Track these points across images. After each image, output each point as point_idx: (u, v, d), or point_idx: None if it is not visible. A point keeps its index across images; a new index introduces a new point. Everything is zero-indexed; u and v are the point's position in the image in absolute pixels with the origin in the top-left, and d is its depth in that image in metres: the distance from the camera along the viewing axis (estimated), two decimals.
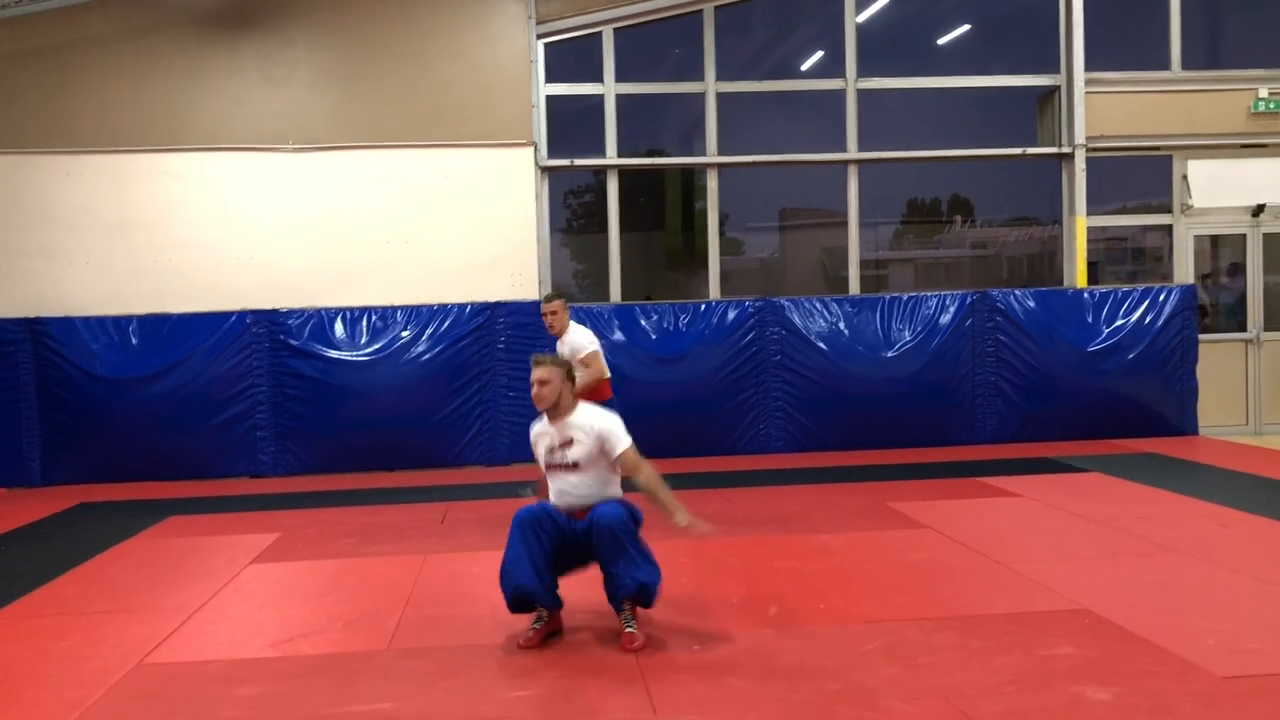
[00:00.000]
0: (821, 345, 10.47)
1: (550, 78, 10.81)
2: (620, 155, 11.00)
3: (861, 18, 11.26)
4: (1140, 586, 5.40)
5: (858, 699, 3.98)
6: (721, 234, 11.25)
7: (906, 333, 10.56)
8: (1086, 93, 11.12)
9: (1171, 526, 6.71)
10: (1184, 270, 11.42)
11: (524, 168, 10.56)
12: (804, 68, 11.84)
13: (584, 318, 9.55)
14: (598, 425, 4.87)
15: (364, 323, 10.19)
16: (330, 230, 10.36)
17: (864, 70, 11.14)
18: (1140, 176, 11.76)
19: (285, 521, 7.82)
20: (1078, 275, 11.15)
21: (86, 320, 9.95)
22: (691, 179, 11.64)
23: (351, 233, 10.38)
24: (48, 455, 9.95)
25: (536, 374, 4.89)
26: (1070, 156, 11.22)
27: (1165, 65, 11.34)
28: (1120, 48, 11.49)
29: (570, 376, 5.02)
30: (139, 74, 10.24)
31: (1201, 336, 10.97)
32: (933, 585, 5.60)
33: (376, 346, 10.11)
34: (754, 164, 11.21)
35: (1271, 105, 11.21)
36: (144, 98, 10.24)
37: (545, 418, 5.01)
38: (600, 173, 11.11)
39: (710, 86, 11.03)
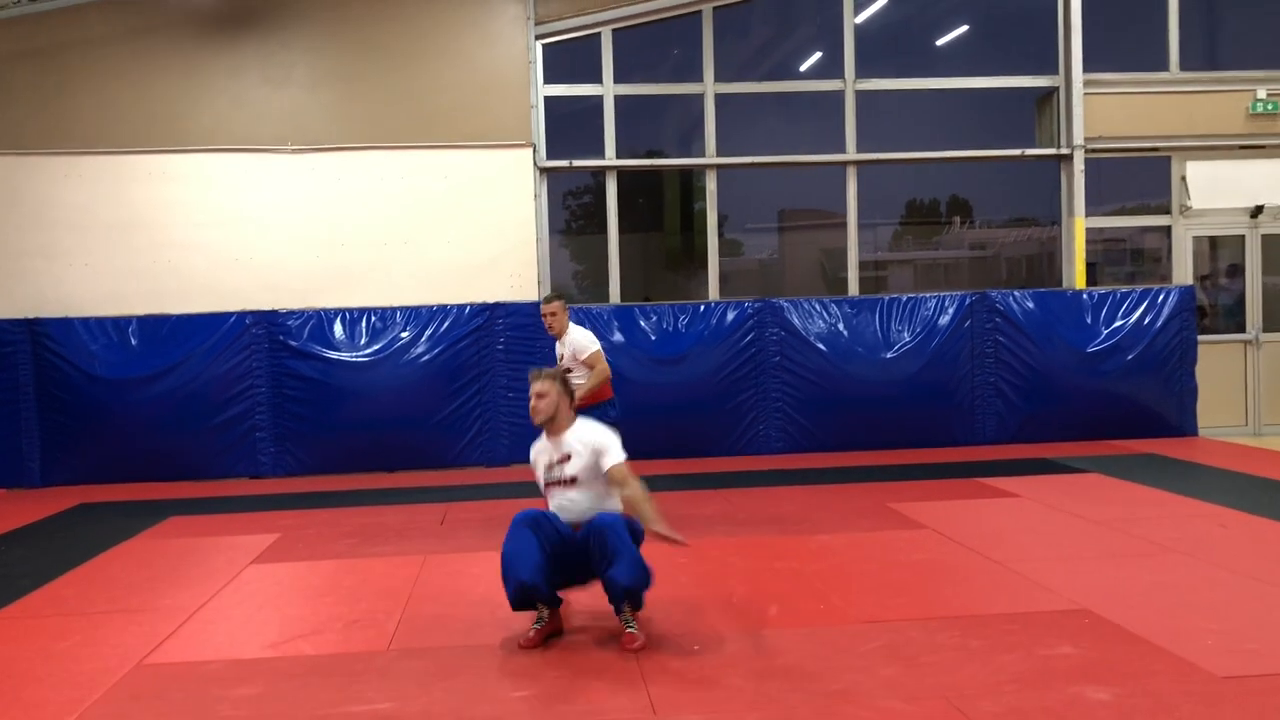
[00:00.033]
0: (821, 346, 10.47)
1: (549, 79, 10.82)
2: (619, 156, 11.01)
3: (860, 19, 11.27)
4: (1140, 587, 5.41)
5: (858, 699, 3.99)
6: (720, 235, 11.26)
7: (906, 334, 10.57)
8: (1085, 94, 11.13)
9: (1171, 527, 6.72)
10: (1183, 271, 11.43)
11: (523, 169, 10.56)
12: (803, 69, 11.85)
13: (583, 319, 9.56)
14: (594, 439, 4.88)
15: (363, 324, 10.20)
16: (329, 231, 10.36)
17: (863, 71, 11.15)
18: (1139, 178, 11.78)
19: (285, 522, 7.82)
20: (1077, 276, 11.16)
21: (86, 321, 9.94)
22: (690, 180, 11.65)
23: (350, 234, 10.39)
24: (47, 456, 9.95)
25: (535, 387, 4.93)
26: (1069, 157, 11.23)
27: (1164, 66, 11.35)
28: (1119, 49, 11.50)
29: (569, 391, 5.05)
30: (138, 75, 10.24)
31: (1201, 337, 10.98)
32: (933, 585, 5.60)
33: (376, 347, 10.11)
34: (753, 165, 11.21)
35: (1270, 106, 11.23)
36: (143, 99, 10.25)
37: (543, 436, 5.04)
38: (599, 174, 11.12)
39: (709, 87, 11.04)
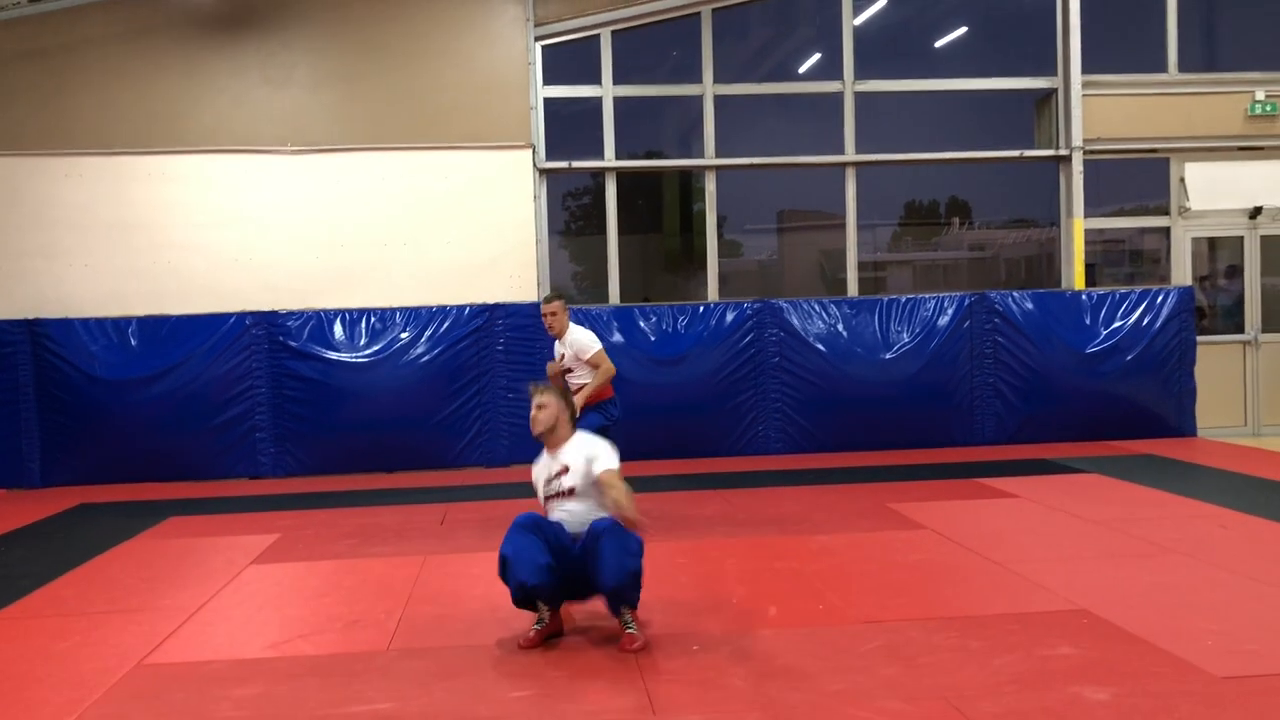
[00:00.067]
0: (820, 347, 10.48)
1: (548, 80, 10.82)
2: (618, 157, 11.02)
3: (859, 20, 11.28)
4: (1139, 587, 5.41)
5: (857, 699, 3.99)
6: (720, 236, 11.26)
7: (905, 334, 10.58)
8: (1084, 95, 11.14)
9: (1170, 527, 6.73)
10: (1182, 272, 11.44)
11: (522, 170, 10.57)
12: (801, 70, 11.86)
13: (582, 319, 9.55)
14: (589, 449, 4.92)
15: (363, 324, 10.20)
16: (329, 232, 10.37)
17: (861, 73, 11.16)
18: (1138, 179, 11.79)
19: (285, 522, 7.82)
20: (1076, 277, 11.17)
21: (85, 322, 9.95)
22: (689, 181, 11.66)
23: (350, 234, 10.39)
24: (47, 456, 9.95)
25: (537, 399, 5.00)
26: (1068, 159, 11.24)
27: (1162, 68, 11.36)
28: (1118, 50, 11.51)
29: (570, 405, 5.11)
30: (139, 75, 10.25)
31: (1200, 338, 10.99)
32: (932, 586, 5.60)
33: (376, 348, 10.11)
34: (752, 166, 11.22)
35: (1268, 108, 11.24)
36: (144, 99, 10.25)
37: (543, 453, 5.08)
38: (598, 175, 11.12)
39: (708, 89, 11.05)
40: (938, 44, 12.07)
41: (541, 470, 5.10)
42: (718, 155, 11.10)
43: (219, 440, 10.00)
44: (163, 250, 10.24)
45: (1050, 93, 11.39)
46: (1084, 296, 10.85)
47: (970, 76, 11.41)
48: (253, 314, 10.10)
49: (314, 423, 10.06)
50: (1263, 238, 11.45)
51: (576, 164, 10.97)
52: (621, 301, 10.94)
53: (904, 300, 10.71)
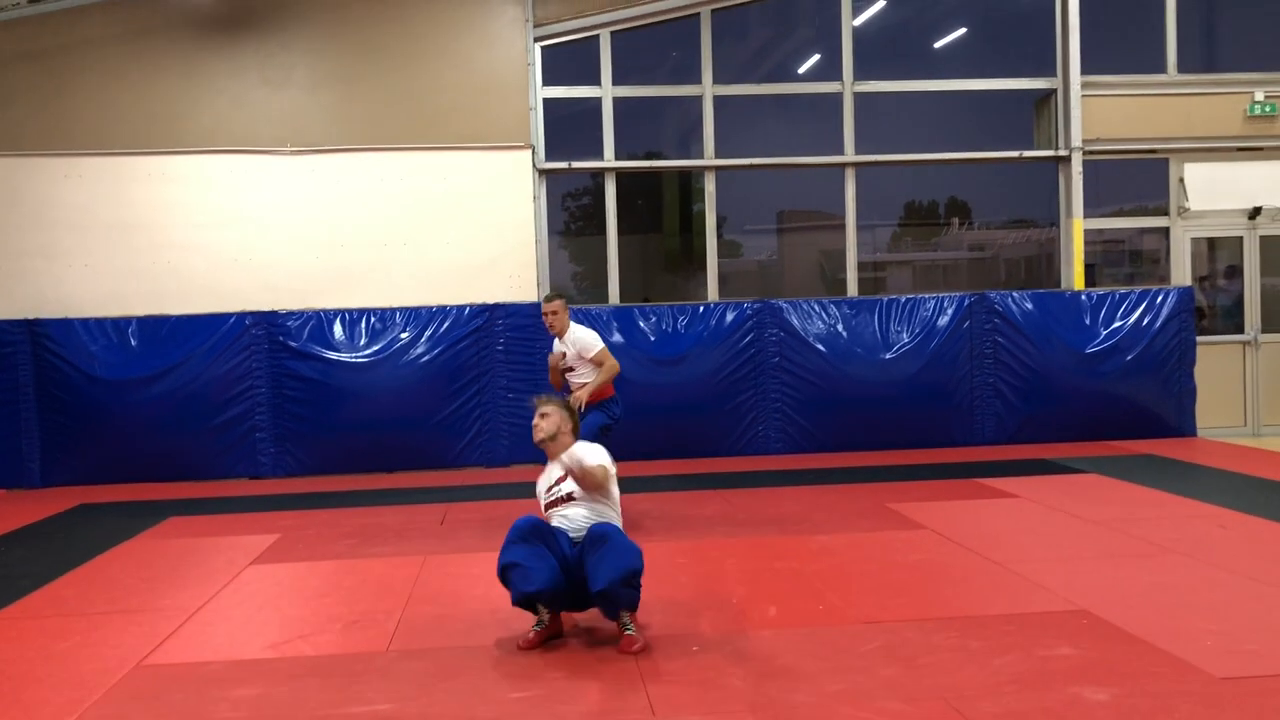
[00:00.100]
0: (820, 347, 10.49)
1: (548, 80, 10.82)
2: (618, 158, 11.02)
3: (858, 21, 11.28)
4: (1139, 587, 5.42)
5: (857, 699, 3.99)
6: (719, 236, 11.27)
7: (905, 335, 10.58)
8: (1083, 95, 11.15)
9: (1170, 528, 6.73)
10: (1181, 272, 11.45)
11: (522, 170, 10.57)
12: (801, 71, 11.86)
13: (582, 319, 9.54)
14: (585, 453, 4.94)
15: (363, 324, 10.20)
16: (329, 232, 10.37)
17: (861, 73, 11.16)
18: (1137, 179, 11.80)
19: (284, 523, 7.82)
20: (1075, 277, 11.17)
21: (85, 322, 9.95)
22: (689, 181, 11.66)
23: (350, 235, 10.39)
24: (47, 457, 9.95)
25: (541, 409, 5.08)
26: (1067, 159, 11.24)
27: (1161, 68, 11.37)
28: (1117, 51, 11.52)
29: (574, 417, 5.15)
30: (138, 76, 10.25)
31: (1199, 338, 10.99)
32: (932, 586, 5.61)
33: (375, 348, 10.12)
34: (751, 166, 11.22)
35: (1268, 108, 11.24)
36: (143, 100, 10.26)
37: (546, 465, 5.13)
38: (598, 175, 11.13)
39: (708, 89, 11.05)
40: (937, 45, 12.07)
41: (543, 481, 5.13)
42: (717, 156, 11.10)
43: (219, 440, 10.00)
44: (162, 250, 10.24)
45: (1050, 93, 11.39)
46: (1084, 297, 10.86)
47: (970, 77, 11.41)
48: (252, 314, 10.10)
49: (314, 423, 10.06)
50: (1262, 238, 11.45)
51: (576, 164, 10.98)
52: (621, 302, 10.94)
53: (904, 300, 10.72)
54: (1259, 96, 11.26)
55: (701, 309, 10.56)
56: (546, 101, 10.82)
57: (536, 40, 10.68)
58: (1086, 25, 11.11)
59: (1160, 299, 10.79)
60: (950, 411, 10.61)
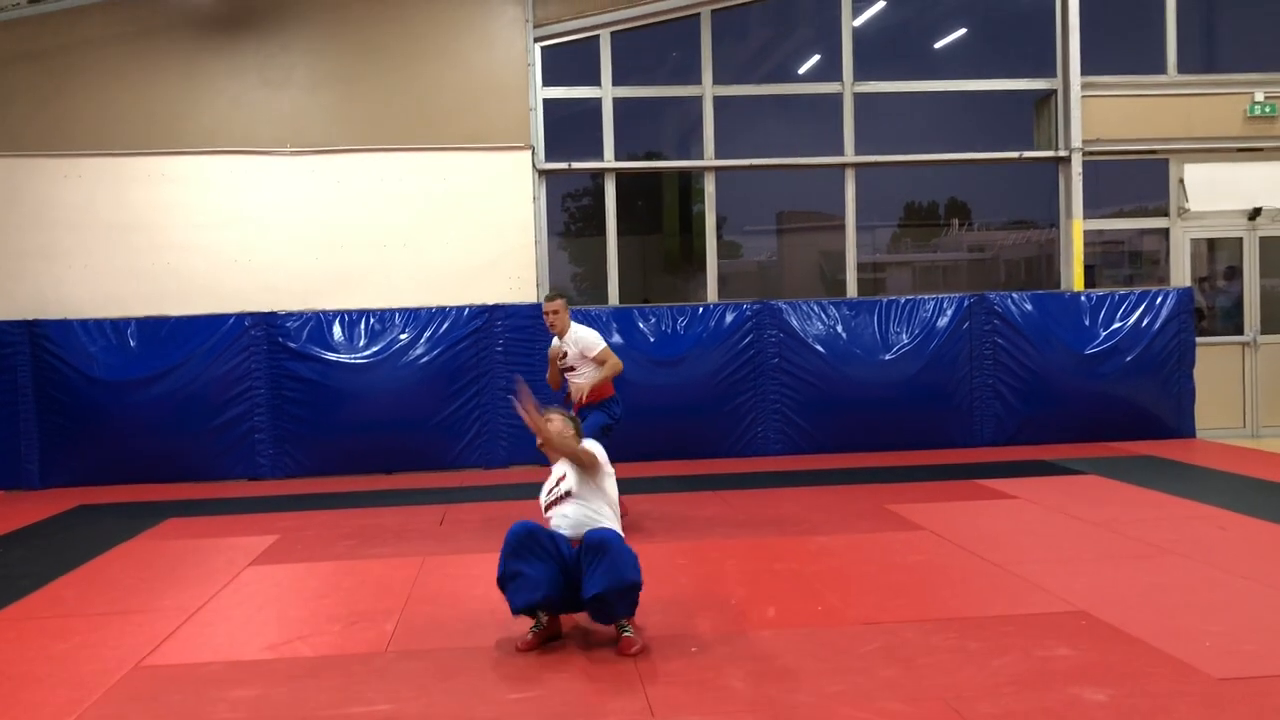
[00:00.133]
0: (819, 348, 10.48)
1: (548, 81, 10.83)
2: (618, 158, 11.02)
3: (858, 21, 11.29)
4: (1137, 588, 5.42)
5: (856, 700, 3.99)
6: (719, 237, 11.27)
7: (904, 336, 10.58)
8: (1083, 96, 11.15)
9: (1169, 529, 6.73)
10: (1181, 273, 11.45)
11: (522, 171, 10.58)
12: (801, 71, 11.86)
13: (582, 320, 9.54)
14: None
15: (362, 325, 10.20)
16: (328, 233, 10.37)
17: (861, 74, 11.16)
18: (1137, 180, 11.80)
19: (284, 524, 7.82)
20: (1075, 278, 11.17)
21: (85, 323, 9.95)
22: (689, 182, 11.66)
23: (350, 235, 10.39)
24: (46, 458, 9.95)
25: (546, 415, 5.16)
26: (1067, 160, 11.24)
27: (1161, 69, 11.37)
28: (1117, 51, 11.52)
29: (578, 429, 5.19)
30: (138, 77, 10.25)
31: (1199, 339, 11.00)
32: (931, 587, 5.61)
33: (375, 349, 10.12)
34: (751, 167, 11.23)
35: (1268, 109, 11.25)
36: (143, 100, 10.26)
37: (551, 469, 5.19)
38: (598, 176, 11.13)
39: (707, 90, 11.05)
40: (937, 45, 12.07)
41: (545, 485, 5.15)
42: (717, 156, 11.11)
43: (218, 441, 10.00)
44: (162, 251, 10.25)
45: (1049, 94, 11.39)
46: (1083, 298, 10.86)
47: (969, 77, 11.41)
48: (252, 315, 10.10)
49: (313, 424, 10.06)
50: (1262, 239, 11.45)
51: (576, 165, 10.98)
52: (621, 303, 10.95)
53: (903, 301, 10.72)
54: (1259, 97, 11.26)
55: (701, 310, 10.56)
56: (546, 102, 10.82)
57: (536, 40, 10.69)
58: (1086, 25, 11.12)
59: (1160, 300, 10.79)
60: (949, 413, 10.61)
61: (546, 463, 5.19)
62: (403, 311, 10.26)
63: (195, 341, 9.99)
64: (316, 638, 5.01)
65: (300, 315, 10.16)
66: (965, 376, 10.64)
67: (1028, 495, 8.01)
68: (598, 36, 10.86)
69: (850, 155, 11.17)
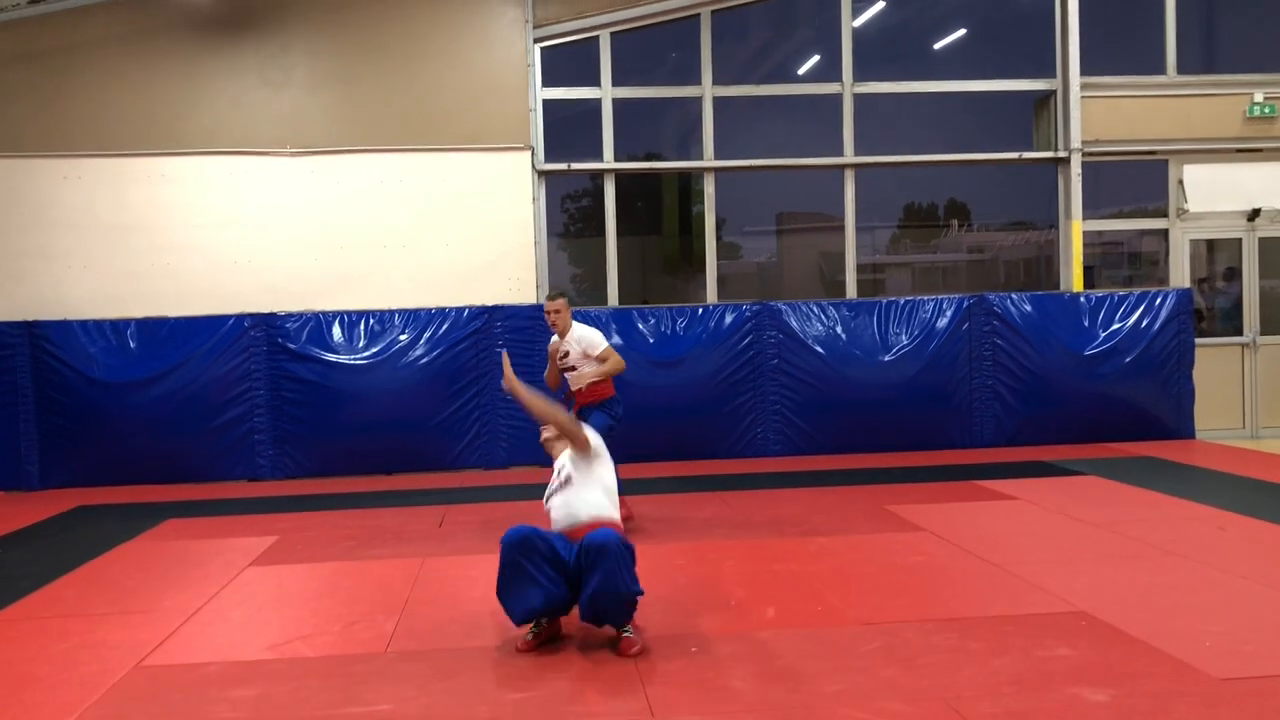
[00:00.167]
0: (819, 349, 10.49)
1: (547, 82, 10.83)
2: (617, 159, 11.02)
3: (858, 22, 11.29)
4: (1137, 589, 5.42)
5: (856, 700, 3.99)
6: (718, 238, 11.27)
7: (904, 336, 10.58)
8: (1082, 97, 11.16)
9: (1168, 529, 6.73)
10: (1180, 274, 11.45)
11: (521, 172, 10.58)
12: (800, 72, 11.87)
13: (582, 321, 9.55)
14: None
15: (362, 326, 10.20)
16: (328, 234, 10.37)
17: (860, 74, 11.17)
18: (1136, 181, 11.80)
19: (283, 524, 7.82)
20: (1074, 279, 11.17)
21: (84, 324, 9.95)
22: (689, 183, 11.67)
23: (349, 236, 10.40)
24: (46, 458, 9.95)
25: (547, 433, 5.27)
26: (1066, 161, 11.25)
27: (1161, 70, 11.38)
28: (1116, 52, 11.53)
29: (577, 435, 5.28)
30: (138, 77, 10.25)
31: (1198, 340, 11.00)
32: (930, 587, 5.61)
33: (374, 350, 10.12)
34: (751, 168, 11.23)
35: (1267, 109, 11.25)
36: (142, 100, 10.26)
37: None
38: (597, 177, 11.13)
39: (707, 90, 11.06)
40: (937, 46, 12.08)
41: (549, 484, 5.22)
42: (717, 157, 11.11)
43: (218, 442, 10.00)
44: (162, 252, 10.25)
45: (1049, 94, 11.40)
46: (1082, 299, 10.86)
47: (969, 78, 11.42)
48: (251, 316, 10.10)
49: (313, 425, 10.06)
50: (1261, 240, 11.46)
51: (575, 166, 10.98)
52: (620, 304, 10.95)
53: (903, 302, 10.72)
54: (1258, 98, 11.27)
55: (700, 311, 10.56)
56: (546, 103, 10.82)
57: (536, 41, 10.69)
58: (1086, 26, 11.12)
59: (1159, 301, 10.79)
60: (949, 413, 10.62)
61: (547, 463, 5.19)
62: (402, 312, 10.26)
63: (195, 342, 9.99)
64: (316, 638, 5.01)
65: (300, 316, 10.16)
66: (965, 377, 10.64)
67: (1027, 496, 8.01)
68: (597, 37, 10.86)
69: (850, 156, 11.17)
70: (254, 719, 4.02)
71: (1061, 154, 11.26)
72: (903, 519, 7.29)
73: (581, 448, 5.00)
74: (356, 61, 10.49)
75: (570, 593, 4.69)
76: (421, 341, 10.17)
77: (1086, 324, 10.75)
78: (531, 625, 4.79)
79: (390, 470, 10.16)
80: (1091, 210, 11.37)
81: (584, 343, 7.19)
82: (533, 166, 10.61)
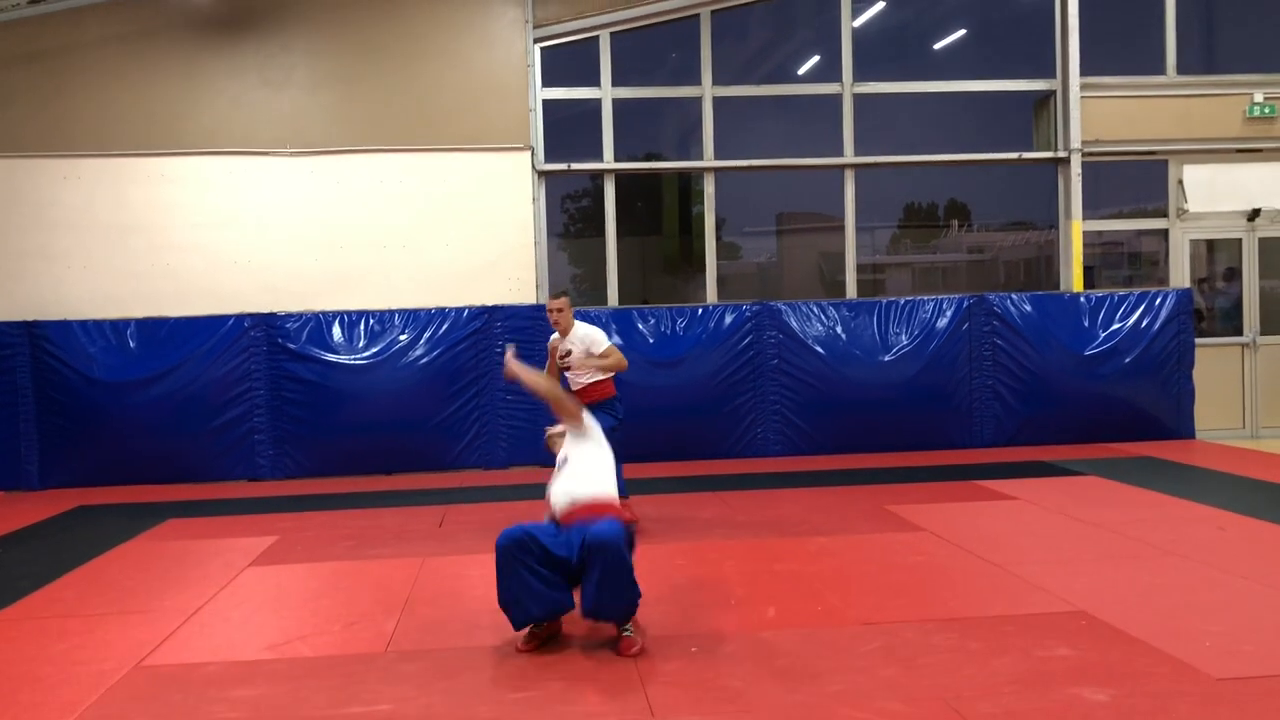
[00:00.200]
0: (819, 349, 10.49)
1: (547, 82, 10.83)
2: (617, 159, 11.02)
3: (858, 22, 11.29)
4: (1137, 589, 5.42)
5: (856, 700, 3.99)
6: (718, 238, 11.27)
7: (903, 337, 10.58)
8: (1082, 97, 11.16)
9: (1168, 529, 6.73)
10: (1180, 274, 11.45)
11: (521, 172, 10.58)
12: (800, 72, 11.87)
13: (582, 321, 9.55)
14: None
15: (362, 326, 10.20)
16: (328, 234, 10.37)
17: (860, 75, 11.17)
18: (1136, 181, 11.80)
19: (283, 524, 7.82)
20: (1074, 279, 11.17)
21: (84, 324, 9.95)
22: (689, 183, 11.66)
23: (349, 236, 10.39)
24: (46, 459, 9.95)
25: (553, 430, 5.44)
26: (1066, 161, 11.25)
27: (1161, 70, 11.38)
28: (1116, 52, 11.52)
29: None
30: (138, 77, 10.25)
31: (1198, 340, 11.00)
32: (930, 587, 5.61)
33: (374, 350, 10.12)
34: (751, 168, 11.23)
35: (1267, 110, 11.25)
36: (142, 101, 10.26)
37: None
38: (597, 177, 11.13)
39: (707, 91, 11.06)
40: (937, 46, 12.08)
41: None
42: (717, 157, 11.11)
43: (217, 442, 10.00)
44: (161, 252, 10.24)
45: (1049, 95, 11.40)
46: (1082, 299, 10.86)
47: (969, 78, 11.41)
48: (251, 316, 10.10)
49: (313, 425, 10.06)
50: (1261, 240, 11.46)
51: (575, 166, 10.98)
52: (620, 304, 10.95)
53: (902, 302, 10.72)
54: (1258, 98, 11.27)
55: (700, 311, 10.56)
56: (546, 103, 10.82)
57: (536, 41, 10.69)
58: (1086, 26, 11.12)
59: (1159, 301, 10.80)
60: (949, 414, 10.62)
61: (547, 463, 5.21)
62: (402, 312, 10.26)
63: (195, 342, 9.99)
64: (316, 638, 5.01)
65: (300, 316, 10.16)
66: (965, 377, 10.64)
67: (1027, 496, 8.01)
68: (597, 37, 10.86)
69: (850, 156, 11.17)
70: (253, 719, 4.02)
71: (1061, 154, 11.26)
72: (903, 519, 7.29)
73: (573, 419, 5.18)
74: (356, 61, 10.49)
75: (569, 592, 4.70)
76: (421, 341, 10.17)
77: (1086, 324, 10.75)
78: (531, 626, 4.79)
79: (390, 470, 10.16)
80: (1091, 210, 11.37)
81: (587, 340, 7.17)
82: (533, 167, 10.61)
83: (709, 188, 11.13)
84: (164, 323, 10.05)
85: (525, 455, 10.05)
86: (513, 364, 5.43)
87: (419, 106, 10.49)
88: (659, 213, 12.05)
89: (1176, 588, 5.43)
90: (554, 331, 7.40)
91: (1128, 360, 10.65)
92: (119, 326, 10.00)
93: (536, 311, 10.09)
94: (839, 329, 10.56)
